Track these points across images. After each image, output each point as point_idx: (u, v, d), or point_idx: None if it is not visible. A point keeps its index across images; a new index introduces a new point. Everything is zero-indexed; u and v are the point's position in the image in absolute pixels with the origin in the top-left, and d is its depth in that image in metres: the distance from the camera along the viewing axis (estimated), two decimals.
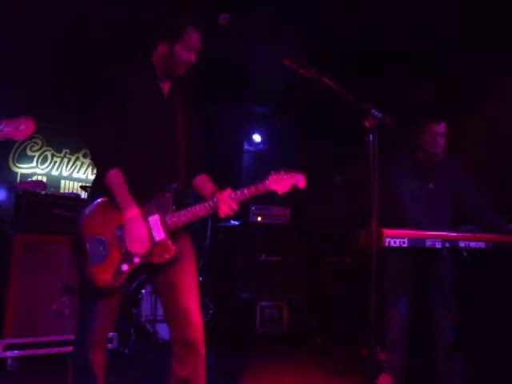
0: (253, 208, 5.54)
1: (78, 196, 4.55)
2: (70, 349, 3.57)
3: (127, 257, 1.95)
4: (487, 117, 3.96)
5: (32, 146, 5.79)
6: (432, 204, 3.20)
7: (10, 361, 3.40)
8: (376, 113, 1.73)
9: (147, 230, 1.98)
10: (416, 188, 3.23)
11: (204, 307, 4.48)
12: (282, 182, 2.11)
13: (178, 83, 2.24)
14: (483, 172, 3.54)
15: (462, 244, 2.54)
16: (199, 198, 2.20)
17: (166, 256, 2.00)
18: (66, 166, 6.02)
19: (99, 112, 2.08)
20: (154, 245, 1.99)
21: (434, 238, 2.47)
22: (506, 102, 3.91)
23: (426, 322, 3.24)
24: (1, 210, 4.42)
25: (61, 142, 5.96)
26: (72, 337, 3.55)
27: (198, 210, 2.06)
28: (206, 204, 2.08)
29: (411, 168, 3.30)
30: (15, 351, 3.41)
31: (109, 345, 3.75)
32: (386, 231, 2.31)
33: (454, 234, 2.58)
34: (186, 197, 2.24)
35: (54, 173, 5.93)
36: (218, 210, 2.07)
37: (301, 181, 2.14)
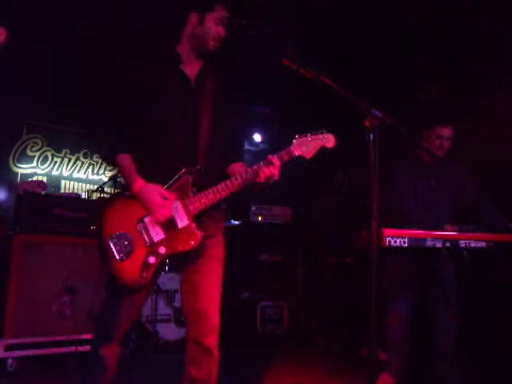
0: (253, 208, 5.54)
1: (78, 196, 4.55)
2: (70, 349, 3.61)
3: (153, 248, 1.91)
4: (487, 117, 3.96)
5: (32, 146, 5.79)
6: (433, 201, 3.22)
7: (10, 361, 3.41)
8: (376, 112, 1.73)
9: (162, 194, 1.91)
10: (418, 185, 3.26)
11: None
12: (309, 145, 1.97)
13: (211, 63, 2.17)
14: (483, 172, 3.54)
15: (462, 244, 2.54)
16: None
17: (192, 242, 1.92)
18: (67, 166, 6.02)
19: (111, 103, 2.11)
20: (179, 232, 1.93)
21: (435, 237, 2.46)
22: (506, 102, 3.91)
23: (426, 323, 3.24)
24: (1, 211, 4.42)
25: (61, 142, 5.96)
26: (73, 337, 3.59)
27: (223, 187, 1.95)
28: (238, 175, 1.97)
29: (413, 165, 3.33)
30: (16, 351, 3.41)
31: None
32: (387, 231, 2.31)
33: (455, 234, 2.58)
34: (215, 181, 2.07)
35: (55, 173, 5.92)
36: (258, 174, 1.94)
37: (330, 140, 1.99)
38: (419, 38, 4.22)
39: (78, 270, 3.73)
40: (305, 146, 1.97)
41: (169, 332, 4.38)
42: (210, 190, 1.96)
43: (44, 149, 5.87)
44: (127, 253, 1.89)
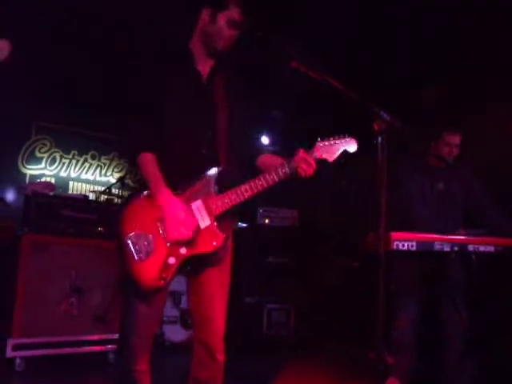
0: (260, 210, 5.53)
1: (86, 197, 4.57)
2: (78, 349, 3.62)
3: (173, 249, 1.86)
4: (488, 117, 3.95)
5: (41, 148, 5.83)
6: (442, 204, 3.21)
7: (18, 361, 3.42)
8: (385, 115, 1.72)
9: (186, 211, 1.87)
10: (426, 188, 3.25)
11: None
12: (331, 149, 1.98)
13: (222, 63, 2.15)
14: (484, 173, 3.52)
15: (470, 248, 2.52)
16: None
17: (215, 243, 1.89)
18: (75, 168, 6.05)
19: (136, 103, 2.03)
20: (200, 233, 1.89)
21: (443, 241, 2.45)
22: (506, 102, 3.89)
23: (433, 326, 3.22)
24: (10, 211, 4.44)
25: (69, 143, 6.00)
26: (80, 337, 3.61)
27: (247, 188, 1.92)
28: (267, 174, 1.93)
29: (421, 169, 3.32)
30: (23, 351, 3.42)
31: (116, 346, 3.76)
32: (394, 234, 2.30)
33: (463, 238, 2.56)
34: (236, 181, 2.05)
35: (63, 174, 5.96)
36: (297, 171, 1.94)
37: (352, 144, 1.99)
38: (419, 38, 4.21)
39: (85, 271, 3.74)
40: (327, 149, 1.98)
41: (175, 334, 4.39)
42: (234, 191, 1.92)
43: (52, 150, 5.90)
44: (147, 253, 1.84)
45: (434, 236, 2.45)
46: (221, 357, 2.01)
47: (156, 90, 1.99)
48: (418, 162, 3.37)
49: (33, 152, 5.77)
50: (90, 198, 4.87)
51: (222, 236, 1.91)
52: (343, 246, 5.52)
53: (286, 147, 6.59)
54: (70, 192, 5.93)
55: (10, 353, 3.36)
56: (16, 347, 3.39)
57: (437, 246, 2.43)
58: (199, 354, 2.02)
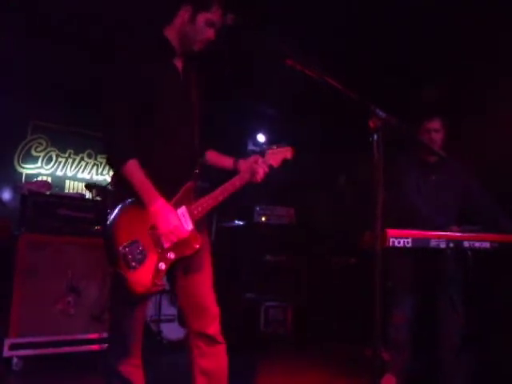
0: (257, 208, 5.54)
1: (82, 196, 4.57)
2: (75, 348, 3.62)
3: (163, 255, 1.92)
4: (487, 117, 3.96)
5: (37, 147, 5.81)
6: (435, 198, 3.21)
7: (15, 360, 3.42)
8: (380, 113, 1.73)
9: (178, 217, 1.94)
10: (419, 181, 3.27)
11: None
12: (276, 157, 2.25)
13: (191, 61, 2.15)
14: (484, 173, 3.53)
15: (466, 244, 2.53)
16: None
17: (196, 246, 1.99)
18: (71, 167, 6.04)
19: (113, 102, 1.99)
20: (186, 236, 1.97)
21: (439, 238, 2.46)
22: (506, 102, 3.90)
23: (429, 323, 3.24)
24: (6, 211, 4.44)
25: (65, 142, 5.98)
26: (77, 336, 3.60)
27: (220, 192, 2.08)
28: (236, 179, 2.14)
29: (414, 163, 3.34)
30: (20, 350, 3.42)
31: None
32: (390, 231, 2.31)
33: (459, 234, 2.57)
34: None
35: (59, 173, 5.94)
36: (254, 176, 2.15)
37: (289, 153, 2.28)
38: (419, 38, 4.22)
39: (82, 270, 3.74)
40: (274, 157, 2.25)
41: (173, 332, 4.39)
42: (210, 196, 2.07)
43: (48, 149, 5.89)
44: (140, 261, 1.86)
45: (430, 233, 2.45)
46: (221, 339, 2.06)
47: (141, 79, 1.94)
48: (413, 160, 3.38)
49: (29, 151, 5.76)
50: (87, 196, 4.85)
51: (200, 237, 2.01)
52: (340, 243, 5.53)
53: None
54: (67, 191, 5.92)
55: (7, 352, 3.36)
56: (13, 346, 3.39)
57: (432, 243, 2.43)
58: (200, 345, 2.04)
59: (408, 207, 3.19)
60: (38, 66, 4.97)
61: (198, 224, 2.03)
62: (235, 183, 2.13)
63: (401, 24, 4.12)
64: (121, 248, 1.84)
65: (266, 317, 5.16)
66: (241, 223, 5.57)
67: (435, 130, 3.28)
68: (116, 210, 1.90)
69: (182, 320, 4.42)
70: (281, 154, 2.26)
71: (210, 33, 2.01)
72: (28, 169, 5.74)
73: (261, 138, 6.81)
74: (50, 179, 5.71)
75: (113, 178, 2.12)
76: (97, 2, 4.13)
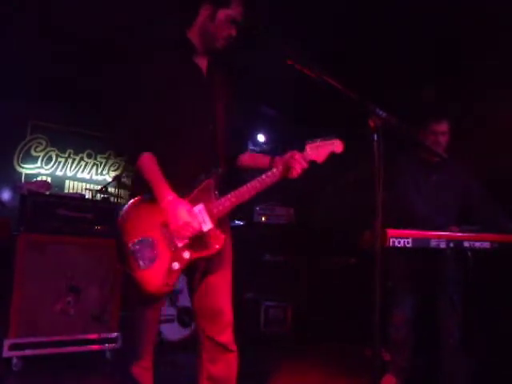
0: (257, 208, 5.54)
1: (82, 196, 4.57)
2: (75, 349, 3.62)
3: (177, 254, 1.83)
4: (487, 117, 3.96)
5: (36, 147, 5.82)
6: (435, 198, 3.21)
7: (15, 360, 3.41)
8: (380, 112, 1.73)
9: (191, 211, 1.84)
10: (420, 184, 3.26)
11: None
12: (319, 151, 2.00)
13: (217, 60, 2.11)
14: (484, 173, 3.53)
15: (466, 244, 2.53)
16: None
17: (217, 246, 1.89)
18: (71, 167, 6.04)
19: (130, 101, 1.94)
20: (203, 236, 1.87)
21: (439, 238, 2.46)
22: (506, 102, 3.90)
23: (429, 322, 3.24)
24: (6, 211, 4.44)
25: (65, 142, 5.99)
26: (77, 336, 3.60)
27: (247, 190, 1.93)
28: (267, 175, 1.95)
29: (415, 162, 3.33)
30: (20, 351, 3.42)
31: (113, 344, 3.77)
32: (390, 231, 2.30)
33: (459, 234, 2.57)
34: (232, 180, 2.11)
35: (59, 173, 5.95)
36: (290, 172, 1.95)
37: (338, 146, 2.02)
38: (419, 38, 4.22)
39: (82, 270, 3.74)
40: (316, 151, 2.00)
41: (172, 332, 4.39)
42: (233, 194, 1.94)
43: (48, 149, 5.89)
44: (151, 259, 1.80)
45: (430, 233, 2.45)
46: (234, 347, 2.01)
47: (156, 79, 1.92)
48: (411, 159, 3.37)
49: (28, 151, 5.76)
50: (86, 196, 4.86)
51: (222, 238, 1.91)
52: (340, 243, 5.53)
53: (281, 145, 6.60)
54: (66, 191, 5.92)
55: (6, 352, 3.36)
56: (13, 347, 3.38)
57: (432, 243, 2.43)
58: (210, 351, 1.98)
59: (407, 207, 3.19)
60: (37, 66, 4.97)
61: (220, 223, 1.94)
62: (265, 180, 1.95)
63: (401, 24, 4.12)
64: (130, 245, 1.79)
65: (266, 317, 5.16)
66: (241, 223, 5.57)
67: (442, 133, 3.23)
68: (127, 206, 1.86)
69: (182, 320, 4.42)
70: (326, 148, 2.00)
71: (230, 29, 1.98)
72: (28, 169, 5.74)
73: (261, 138, 6.82)
74: (49, 179, 5.72)
75: (133, 175, 2.05)
76: (97, 2, 4.13)
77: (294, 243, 5.73)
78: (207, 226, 1.88)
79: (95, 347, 3.73)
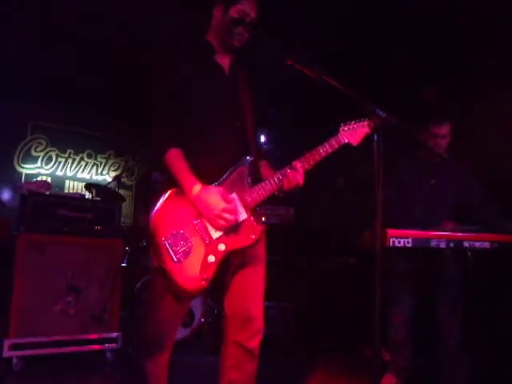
0: (257, 208, 5.54)
1: (82, 196, 4.57)
2: (75, 349, 3.62)
3: (212, 246, 1.79)
4: (487, 117, 3.96)
5: (36, 147, 5.82)
6: (432, 201, 3.21)
7: (15, 360, 3.41)
8: (381, 113, 1.73)
9: (223, 196, 1.80)
10: (419, 180, 3.25)
11: (207, 307, 4.49)
12: (355, 133, 1.94)
13: (240, 59, 2.11)
14: (484, 173, 3.53)
15: (466, 244, 2.53)
16: None
17: (253, 236, 1.85)
18: (71, 167, 6.05)
19: (157, 98, 1.93)
20: (238, 227, 1.83)
21: (439, 238, 2.46)
22: (506, 102, 3.90)
23: (429, 322, 3.24)
24: (6, 211, 4.44)
25: (65, 142, 5.99)
26: (77, 336, 3.60)
27: (279, 178, 1.91)
28: (281, 172, 1.93)
29: (414, 163, 3.32)
30: (20, 351, 3.42)
31: (113, 344, 3.77)
32: (390, 231, 2.30)
33: (459, 234, 2.57)
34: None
35: (59, 173, 5.95)
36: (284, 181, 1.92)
37: (369, 127, 1.92)
38: (419, 38, 4.22)
39: (82, 270, 3.74)
40: (351, 133, 1.95)
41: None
42: (267, 182, 1.91)
43: (48, 149, 5.89)
44: (185, 253, 1.75)
45: (430, 233, 2.45)
46: (258, 353, 1.97)
47: (180, 77, 1.92)
48: (413, 160, 3.37)
49: (28, 151, 5.76)
50: (87, 196, 4.86)
51: (259, 228, 1.88)
52: (340, 243, 5.53)
53: (281, 145, 6.61)
54: (66, 191, 5.92)
55: (6, 352, 3.35)
56: (12, 347, 3.38)
57: (432, 243, 2.43)
58: (236, 356, 1.94)
59: (406, 207, 3.19)
60: (37, 66, 4.97)
61: (255, 213, 1.90)
62: (279, 180, 1.93)
63: (401, 24, 4.12)
64: (163, 239, 1.75)
65: (266, 317, 5.15)
66: None
67: (442, 136, 3.19)
68: (159, 201, 1.82)
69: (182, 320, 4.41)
70: (361, 130, 1.93)
71: (244, 24, 1.97)
72: (28, 169, 5.74)
73: (261, 138, 6.82)
74: (49, 179, 5.72)
75: (163, 171, 2.01)
76: (97, 2, 4.14)
77: (294, 243, 5.72)
78: (242, 215, 1.84)
79: (95, 347, 3.72)
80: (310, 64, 1.77)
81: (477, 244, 2.53)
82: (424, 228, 2.46)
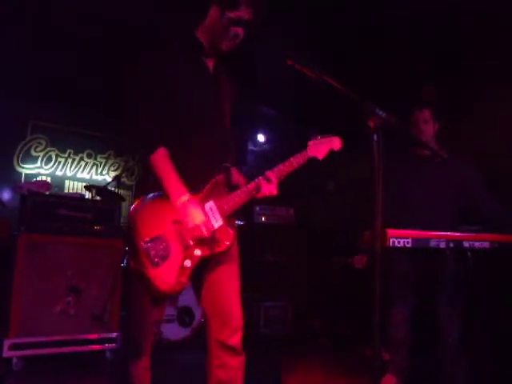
0: (257, 208, 5.54)
1: (82, 196, 4.57)
2: (75, 349, 3.62)
3: (189, 251, 1.83)
4: (488, 117, 3.96)
5: (36, 147, 5.82)
6: (432, 200, 3.20)
7: (15, 360, 3.42)
8: (380, 112, 1.73)
9: (203, 213, 1.84)
10: (417, 182, 3.25)
11: None
12: (320, 148, 2.09)
13: (223, 63, 2.11)
14: (484, 173, 3.53)
15: (466, 244, 2.52)
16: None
17: (227, 243, 1.90)
18: (71, 167, 6.04)
19: (141, 96, 1.91)
20: (214, 233, 1.87)
21: (439, 238, 2.45)
22: (507, 102, 3.90)
23: (429, 322, 3.24)
24: (6, 211, 4.44)
25: (65, 142, 5.99)
26: (77, 336, 3.60)
27: (254, 187, 1.97)
28: (255, 182, 1.98)
29: (415, 162, 3.32)
30: (20, 351, 3.42)
31: (113, 344, 3.77)
32: (390, 231, 2.30)
33: (459, 234, 2.57)
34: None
35: (59, 173, 5.95)
36: (258, 190, 1.98)
37: (337, 143, 2.13)
38: (419, 38, 4.22)
39: (82, 270, 3.74)
40: (317, 148, 2.08)
41: (172, 332, 4.38)
42: (243, 190, 1.97)
43: (48, 149, 5.89)
44: (163, 257, 1.79)
45: (430, 233, 2.45)
46: (241, 350, 1.99)
47: (167, 78, 1.92)
48: (414, 158, 3.37)
49: (28, 151, 5.76)
50: (86, 196, 4.86)
51: (232, 234, 1.93)
52: (340, 243, 5.53)
53: (281, 145, 6.61)
54: (66, 191, 5.92)
55: (6, 352, 3.36)
56: (12, 347, 3.38)
57: (432, 243, 2.43)
58: (220, 356, 1.96)
59: (404, 206, 3.18)
60: (37, 66, 4.97)
61: (229, 220, 1.95)
62: (252, 189, 1.98)
63: (401, 24, 4.12)
64: (143, 243, 1.77)
65: (266, 317, 5.16)
66: (241, 223, 5.57)
67: (424, 121, 3.26)
68: (139, 204, 1.84)
69: (182, 320, 4.42)
70: (326, 145, 2.10)
71: (238, 30, 1.97)
72: (27, 169, 5.74)
73: (261, 138, 6.82)
74: (49, 179, 5.72)
75: (142, 170, 2.05)
76: (97, 2, 4.13)
77: (294, 243, 5.73)
78: (218, 222, 1.89)
79: (95, 347, 3.73)
80: (309, 64, 1.77)
81: (477, 244, 2.53)
82: (425, 228, 2.46)
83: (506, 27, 3.71)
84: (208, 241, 1.86)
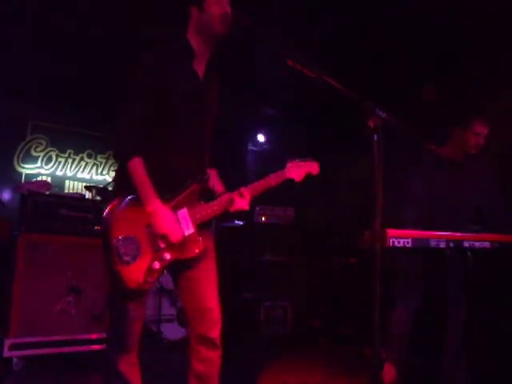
0: (257, 208, 5.54)
1: (82, 196, 4.57)
2: (75, 348, 3.62)
3: (158, 254, 1.91)
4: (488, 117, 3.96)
5: (36, 147, 5.81)
6: (457, 201, 3.16)
7: (15, 360, 3.42)
8: (380, 112, 1.73)
9: (174, 220, 1.93)
10: (435, 184, 3.20)
11: None
12: (298, 170, 2.18)
13: (214, 61, 2.13)
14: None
15: (466, 244, 2.52)
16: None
17: (196, 250, 1.97)
18: (71, 167, 6.04)
19: (127, 101, 1.95)
20: (184, 240, 1.95)
21: (438, 238, 2.45)
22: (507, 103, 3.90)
23: (429, 323, 3.24)
24: (6, 211, 4.44)
25: (65, 142, 5.98)
26: (78, 336, 3.60)
27: (227, 199, 2.05)
28: (230, 195, 2.07)
29: (436, 164, 3.26)
30: (21, 351, 3.42)
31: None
32: (390, 231, 2.30)
33: (459, 234, 2.57)
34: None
35: (59, 173, 5.94)
36: (232, 204, 2.06)
37: (315, 168, 2.24)
38: (419, 38, 4.22)
39: (82, 270, 3.74)
40: (295, 170, 2.19)
41: (172, 332, 4.39)
42: (216, 203, 2.05)
43: (48, 149, 5.89)
44: (133, 257, 1.86)
45: (430, 233, 2.45)
46: (220, 344, 2.06)
47: (153, 81, 1.94)
48: (433, 158, 3.28)
49: (28, 151, 5.76)
50: (87, 196, 4.86)
51: (202, 242, 1.99)
52: (340, 243, 5.53)
53: (281, 145, 6.61)
54: (67, 191, 5.92)
55: (6, 352, 3.36)
56: (13, 347, 3.38)
57: (432, 243, 2.43)
58: (200, 350, 2.05)
59: (422, 207, 3.15)
60: (37, 66, 4.96)
61: (201, 228, 2.01)
62: (226, 202, 2.07)
63: (401, 24, 4.12)
64: (114, 241, 1.85)
65: (266, 317, 5.16)
66: (240, 223, 5.57)
67: (484, 136, 3.17)
68: (115, 205, 1.92)
69: (181, 320, 4.42)
70: (304, 168, 2.21)
71: (223, 7, 1.99)
72: (28, 169, 5.74)
73: (261, 138, 6.82)
74: (49, 179, 5.71)
75: (116, 173, 2.11)
76: (96, 2, 4.13)
77: (294, 243, 5.73)
78: (189, 230, 1.97)
79: (95, 347, 3.73)
80: (309, 64, 1.77)
81: (477, 244, 2.53)
82: (443, 228, 2.45)
83: (506, 27, 3.70)
84: (178, 246, 1.94)
